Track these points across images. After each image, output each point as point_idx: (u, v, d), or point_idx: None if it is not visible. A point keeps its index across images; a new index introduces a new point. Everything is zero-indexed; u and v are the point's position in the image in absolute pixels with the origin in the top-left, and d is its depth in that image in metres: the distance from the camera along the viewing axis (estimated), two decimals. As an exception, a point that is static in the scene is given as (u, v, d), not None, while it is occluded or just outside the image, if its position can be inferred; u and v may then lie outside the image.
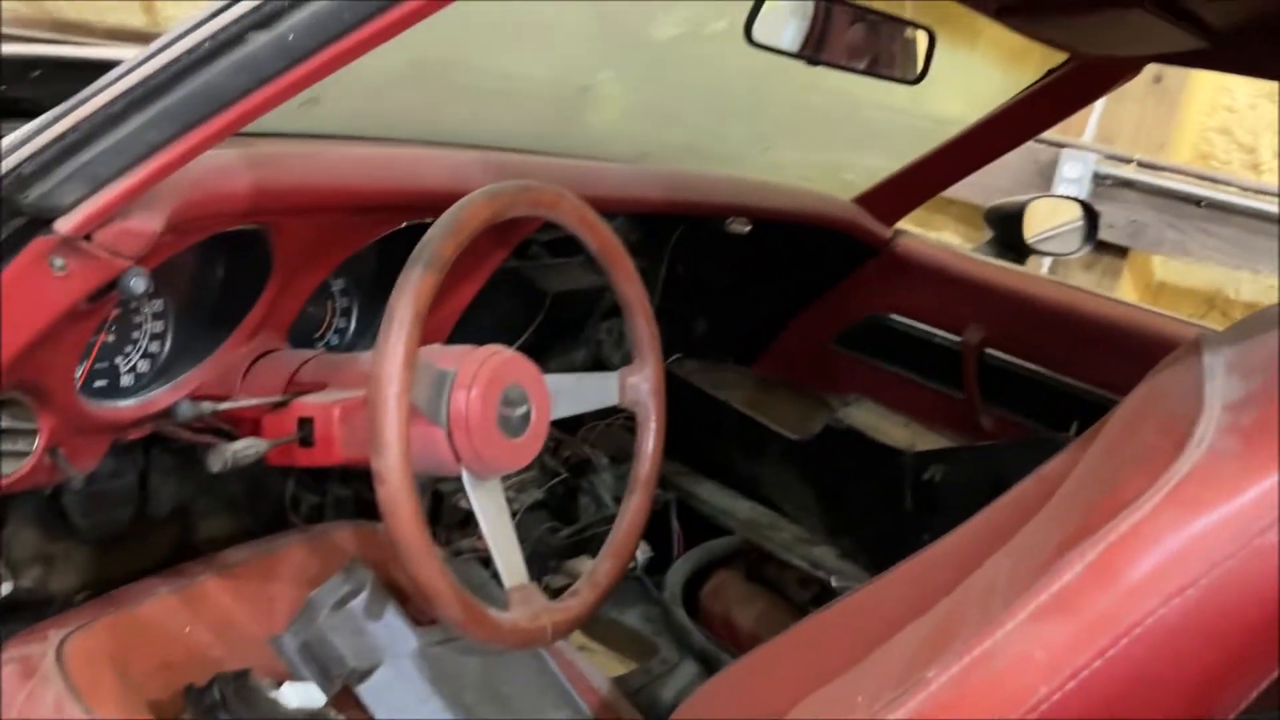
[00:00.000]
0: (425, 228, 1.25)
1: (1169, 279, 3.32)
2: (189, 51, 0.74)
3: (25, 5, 3.27)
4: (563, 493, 1.67)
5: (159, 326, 1.18)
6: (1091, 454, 0.73)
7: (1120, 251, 3.20)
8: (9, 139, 0.85)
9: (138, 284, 0.90)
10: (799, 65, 1.31)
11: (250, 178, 0.96)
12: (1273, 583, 0.52)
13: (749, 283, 1.97)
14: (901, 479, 1.43)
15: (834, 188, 1.93)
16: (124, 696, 0.98)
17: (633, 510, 1.15)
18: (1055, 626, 0.55)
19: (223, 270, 1.15)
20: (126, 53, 1.31)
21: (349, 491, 1.54)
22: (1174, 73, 2.99)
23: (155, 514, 1.46)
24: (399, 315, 0.89)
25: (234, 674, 0.99)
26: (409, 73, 0.84)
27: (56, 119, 0.78)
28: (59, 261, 0.83)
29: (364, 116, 1.02)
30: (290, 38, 0.72)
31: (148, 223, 0.84)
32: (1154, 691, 0.55)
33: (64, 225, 0.80)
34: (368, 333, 1.40)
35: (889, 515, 1.45)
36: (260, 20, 0.72)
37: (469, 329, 1.40)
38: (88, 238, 0.82)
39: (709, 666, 1.41)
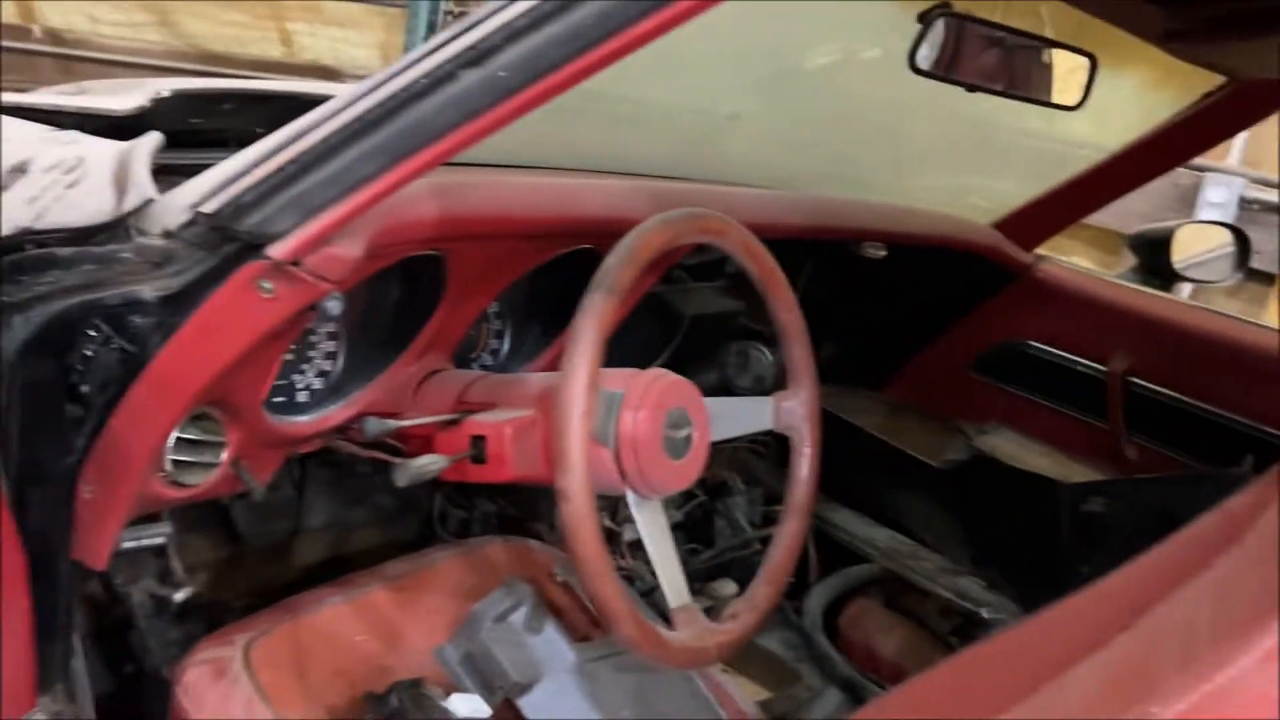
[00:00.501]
0: (579, 254, 1.30)
1: (1320, 307, 3.19)
2: (404, 89, 0.78)
3: (174, 38, 3.46)
4: (700, 515, 1.69)
5: (332, 346, 1.23)
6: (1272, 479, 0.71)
7: (1267, 279, 3.08)
8: (220, 170, 0.91)
9: (334, 306, 0.95)
10: (938, 93, 1.30)
11: (435, 206, 1.00)
12: None
13: (882, 308, 1.96)
14: (1058, 510, 1.40)
15: (962, 213, 1.91)
16: (305, 700, 1.03)
17: (788, 535, 1.16)
18: (1292, 668, 0.54)
19: (396, 294, 1.19)
20: (298, 86, 1.38)
21: (494, 507, 1.59)
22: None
23: (311, 525, 1.52)
24: (583, 339, 0.92)
25: (409, 682, 1.03)
26: (564, 103, 0.86)
27: (273, 152, 0.83)
28: (268, 285, 0.88)
29: (523, 145, 1.05)
30: (502, 74, 0.75)
31: (351, 249, 0.88)
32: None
33: (276, 251, 0.85)
34: (520, 353, 1.44)
35: (1043, 547, 1.42)
36: (473, 58, 0.76)
37: (611, 349, 1.44)
38: (296, 263, 0.86)
39: (854, 695, 1.40)
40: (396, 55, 3.78)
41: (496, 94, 0.76)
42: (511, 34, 0.74)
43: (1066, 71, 1.55)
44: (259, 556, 1.46)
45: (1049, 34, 1.43)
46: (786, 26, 1.58)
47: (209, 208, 0.85)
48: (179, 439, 1.03)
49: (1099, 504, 1.37)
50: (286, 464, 1.38)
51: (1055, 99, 1.33)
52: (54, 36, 3.11)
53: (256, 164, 0.83)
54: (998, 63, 1.30)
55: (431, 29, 3.59)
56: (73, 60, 3.08)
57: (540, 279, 1.31)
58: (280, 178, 0.82)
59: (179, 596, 1.22)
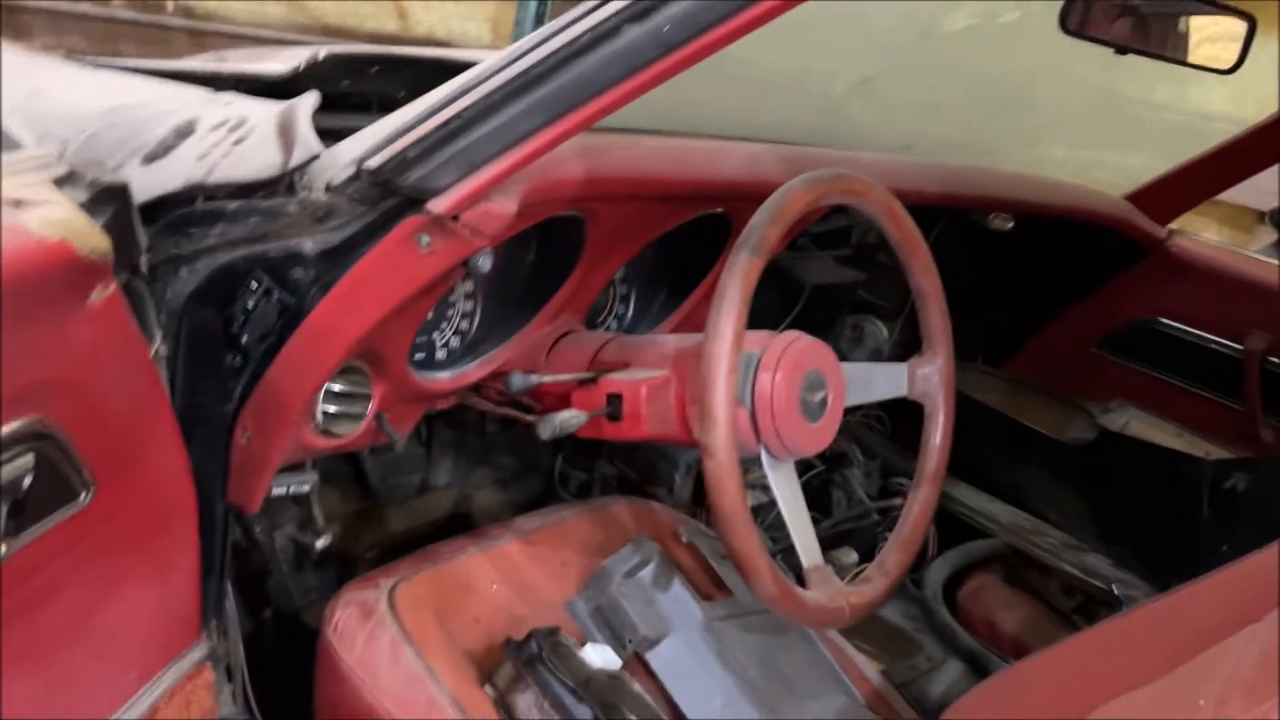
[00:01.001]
0: (712, 219, 1.30)
1: None
2: (568, 44, 0.79)
3: (296, 12, 3.56)
4: (817, 485, 1.68)
5: (470, 306, 1.26)
6: None
7: None
8: (383, 127, 0.93)
9: (485, 262, 0.98)
10: (1070, 61, 1.27)
11: (582, 166, 1.01)
12: None
13: (1005, 281, 1.93)
14: (1198, 487, 1.37)
15: (1093, 184, 1.86)
16: (447, 645, 1.06)
17: (921, 502, 1.15)
18: None
19: (534, 255, 1.22)
20: (441, 53, 1.41)
21: (613, 470, 1.61)
22: None
23: (437, 482, 1.57)
24: (729, 296, 0.92)
25: (548, 630, 1.06)
26: (699, 66, 0.87)
27: (437, 109, 0.85)
28: (426, 239, 0.91)
29: (656, 108, 1.06)
30: (665, 29, 0.76)
31: (506, 205, 0.90)
32: None
33: (437, 205, 0.88)
34: (645, 317, 1.45)
35: (1180, 525, 1.38)
36: (636, 14, 0.77)
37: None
38: (455, 218, 0.89)
39: (976, 667, 1.39)
40: (507, 29, 3.82)
41: (660, 48, 0.77)
42: (678, -12, 0.75)
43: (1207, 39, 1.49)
44: (388, 510, 1.51)
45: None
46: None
47: (373, 163, 0.87)
48: (330, 390, 1.07)
49: (1243, 481, 1.32)
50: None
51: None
52: (185, 11, 3.24)
53: (420, 120, 0.85)
54: (1141, 27, 1.25)
55: (542, 3, 3.63)
56: (203, 34, 3.20)
57: (664, 245, 1.32)
58: (444, 133, 0.84)
59: (320, 544, 1.27)
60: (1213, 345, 1.74)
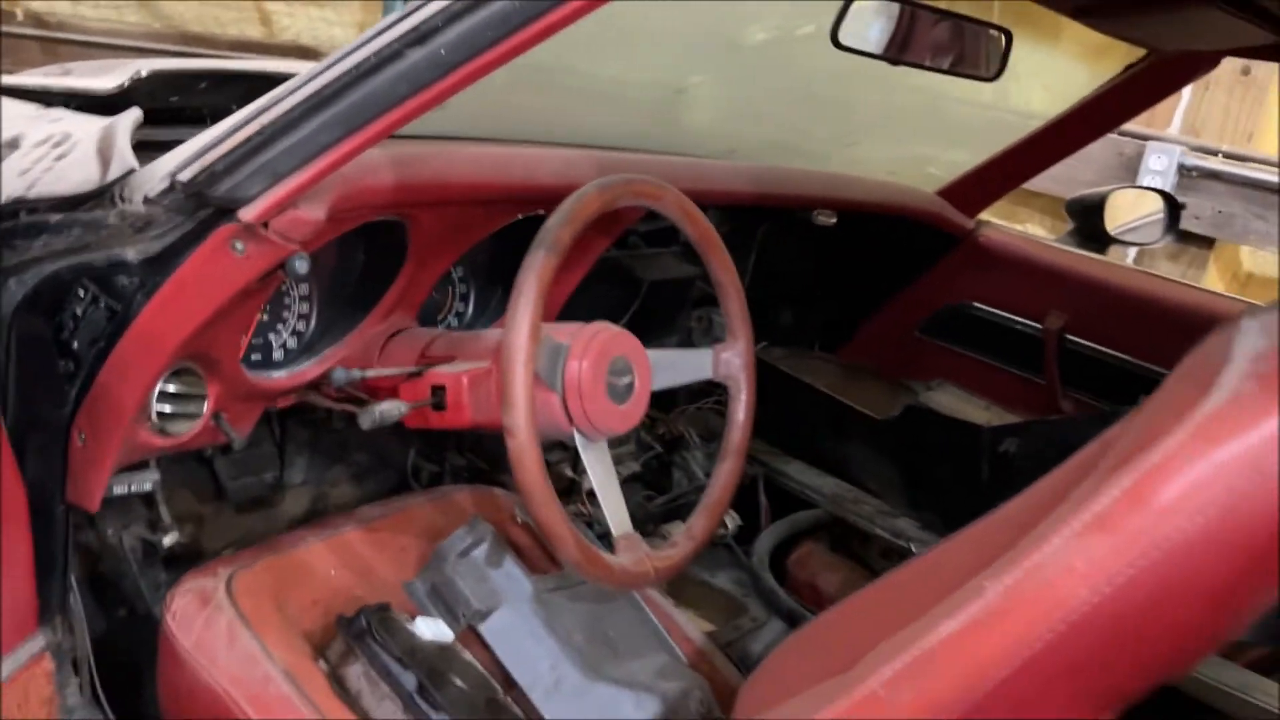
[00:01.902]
0: (537, 220, 1.39)
1: (1256, 269, 3.31)
2: (356, 66, 0.87)
3: (153, 19, 3.52)
4: (657, 466, 1.79)
5: (305, 308, 1.33)
6: (1139, 411, 0.82)
7: (1206, 242, 3.21)
8: (196, 142, 1.00)
9: (301, 265, 1.05)
10: (883, 65, 1.40)
11: (393, 174, 1.09)
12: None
13: (834, 273, 2.06)
14: (979, 453, 1.52)
15: (919, 181, 2.01)
16: (283, 626, 1.13)
17: (725, 473, 1.27)
18: (1095, 542, 0.65)
19: (363, 258, 1.29)
20: (270, 65, 1.47)
21: (464, 461, 1.69)
22: (1263, 64, 2.97)
23: (291, 480, 1.62)
24: (525, 291, 1.02)
25: (377, 606, 1.13)
26: (519, 77, 0.96)
27: (243, 124, 0.93)
28: (239, 245, 0.98)
29: (481, 118, 1.15)
30: (443, 52, 0.84)
31: (314, 212, 0.98)
32: (1176, 601, 0.64)
33: (247, 214, 0.95)
34: (484, 314, 1.54)
35: (967, 488, 1.53)
36: (417, 38, 0.85)
37: (573, 312, 1.53)
38: (265, 225, 0.96)
39: (795, 625, 1.51)
40: (374, 35, 3.83)
41: (439, 70, 0.85)
42: (450, 16, 0.84)
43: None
44: (242, 509, 1.56)
45: (995, 13, 1.53)
46: (721, 4, 1.67)
47: (185, 176, 0.94)
48: (164, 392, 1.13)
49: (1013, 444, 1.48)
50: (267, 422, 1.48)
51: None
52: (37, 20, 3.18)
53: (228, 135, 0.92)
54: (923, 36, 1.39)
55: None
56: (56, 43, 3.15)
57: (501, 244, 1.41)
58: (249, 147, 0.91)
59: (167, 541, 1.31)
60: (1017, 325, 1.91)
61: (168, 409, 1.14)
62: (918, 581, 1.12)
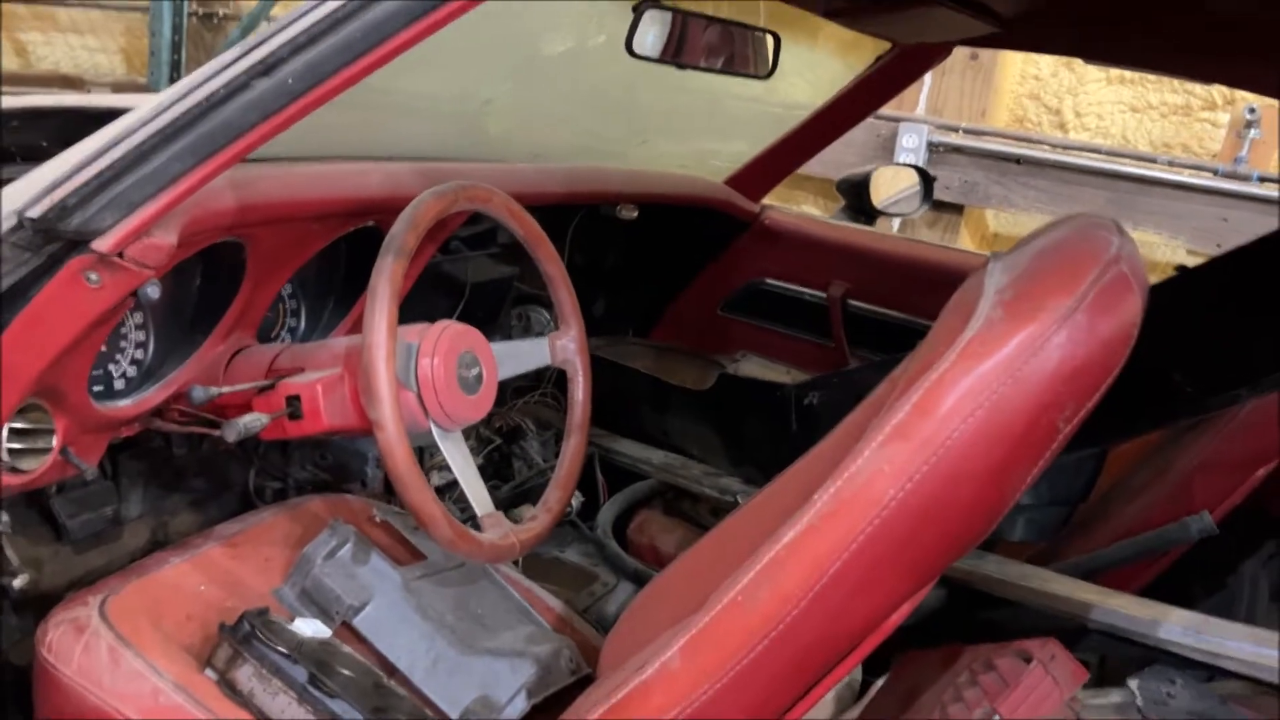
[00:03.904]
0: (366, 232, 1.46)
1: (1001, 230, 3.73)
2: (207, 98, 0.93)
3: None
4: (498, 458, 1.89)
5: (142, 335, 1.34)
6: (919, 347, 1.00)
7: (957, 209, 3.60)
8: (39, 177, 1.02)
9: (154, 290, 1.09)
10: (668, 69, 1.54)
11: (234, 196, 1.15)
12: (1030, 401, 0.79)
13: (639, 262, 2.22)
14: (787, 409, 1.70)
15: (706, 173, 2.19)
16: (164, 642, 1.16)
17: (572, 449, 1.38)
18: (895, 448, 0.81)
19: (200, 279, 1.32)
20: (80, 100, 1.47)
21: (307, 474, 1.72)
22: (988, 50, 3.37)
23: (129, 514, 1.60)
24: (379, 294, 1.10)
25: (257, 611, 1.18)
26: (340, 97, 1.04)
27: (92, 158, 0.96)
28: (94, 276, 1.01)
29: (303, 138, 1.21)
30: (289, 81, 0.92)
31: (167, 237, 1.02)
32: (962, 485, 0.81)
33: (101, 244, 0.98)
34: (316, 327, 1.58)
35: (779, 441, 1.71)
36: (264, 69, 0.92)
37: (404, 317, 1.61)
38: (120, 254, 1.00)
39: (642, 585, 1.65)
40: (142, 60, 3.71)
41: (285, 98, 0.93)
42: (295, 47, 0.91)
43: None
44: (81, 547, 1.54)
45: (762, 18, 1.71)
46: (519, 21, 1.79)
47: (35, 212, 0.96)
48: (10, 429, 1.13)
49: (815, 397, 1.67)
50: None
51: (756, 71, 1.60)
52: None
53: (78, 169, 0.96)
54: (705, 42, 1.55)
55: (177, 31, 3.56)
56: None
57: (326, 259, 1.47)
58: (100, 180, 0.95)
59: (17, 584, 1.30)
60: (806, 297, 2.12)
61: (16, 445, 1.15)
62: (748, 524, 1.27)
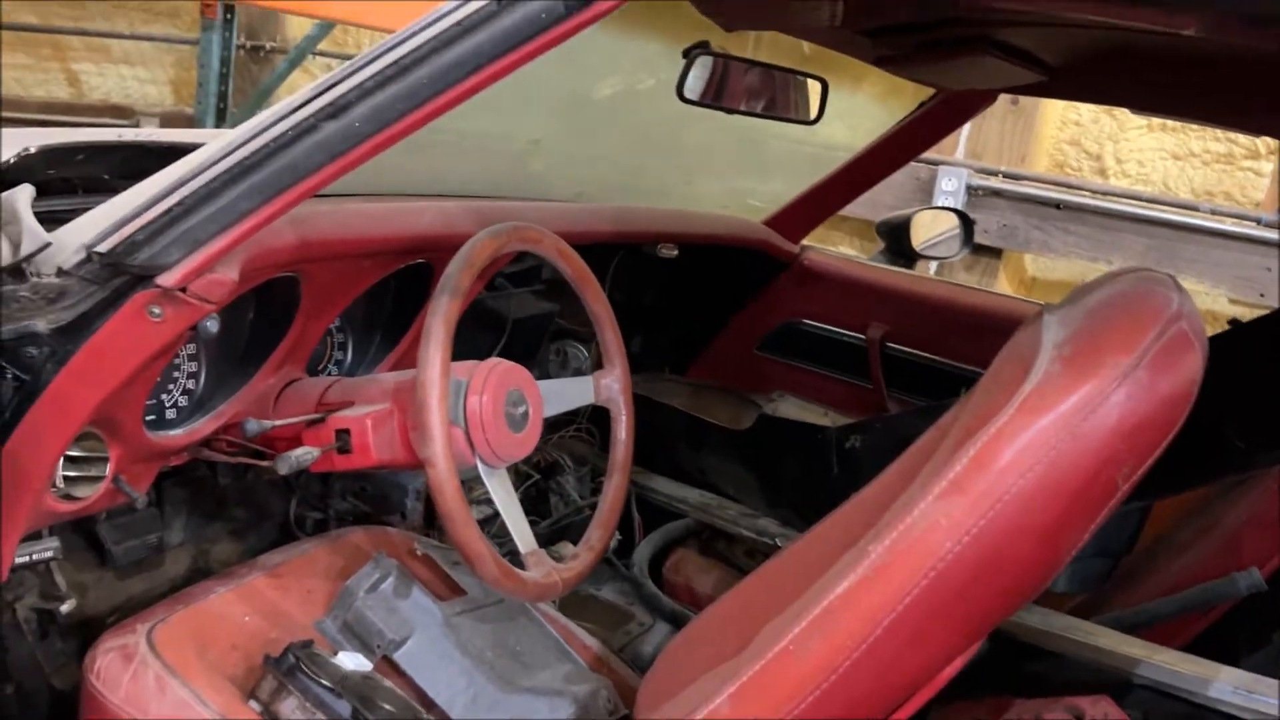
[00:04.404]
0: (415, 268, 1.48)
1: (1039, 274, 3.73)
2: (275, 139, 0.95)
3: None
4: (535, 494, 1.89)
5: (194, 366, 1.37)
6: (971, 396, 1.00)
7: (995, 253, 3.60)
8: (107, 212, 1.05)
9: (212, 325, 1.11)
10: (709, 112, 1.56)
11: (293, 234, 1.17)
12: (1088, 457, 0.79)
13: (679, 301, 2.23)
14: (827, 452, 1.70)
15: (743, 211, 2.21)
16: (208, 672, 1.17)
17: (614, 488, 1.39)
18: (953, 501, 0.81)
19: (253, 312, 1.35)
20: (141, 135, 1.50)
21: (348, 505, 1.73)
22: (1029, 97, 3.38)
23: (172, 541, 1.62)
24: (435, 332, 1.11)
25: (302, 643, 1.19)
26: None
27: (161, 196, 0.99)
28: (157, 310, 1.03)
29: (361, 174, 1.24)
30: (356, 124, 0.94)
31: (230, 273, 1.04)
32: (1018, 541, 0.81)
33: (166, 280, 1.00)
34: (363, 361, 1.60)
35: (818, 484, 1.71)
36: (333, 112, 0.94)
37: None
38: (184, 289, 1.02)
39: (679, 625, 1.64)
40: (190, 91, 3.79)
41: (352, 140, 0.95)
42: (363, 92, 0.94)
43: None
44: (123, 574, 1.56)
45: (808, 59, 1.73)
46: (571, 66, 1.82)
47: (104, 247, 0.99)
48: (66, 456, 1.15)
49: (858, 441, 1.67)
50: (143, 484, 1.49)
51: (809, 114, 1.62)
52: None
53: (147, 207, 0.98)
54: (753, 88, 1.57)
55: (224, 64, 3.64)
56: None
57: (374, 294, 1.49)
58: (169, 218, 0.97)
59: (65, 609, 1.32)
60: (845, 338, 2.12)
61: (72, 473, 1.16)
62: (791, 569, 1.27)
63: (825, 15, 1.13)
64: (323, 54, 4.16)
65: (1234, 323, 1.27)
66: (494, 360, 1.26)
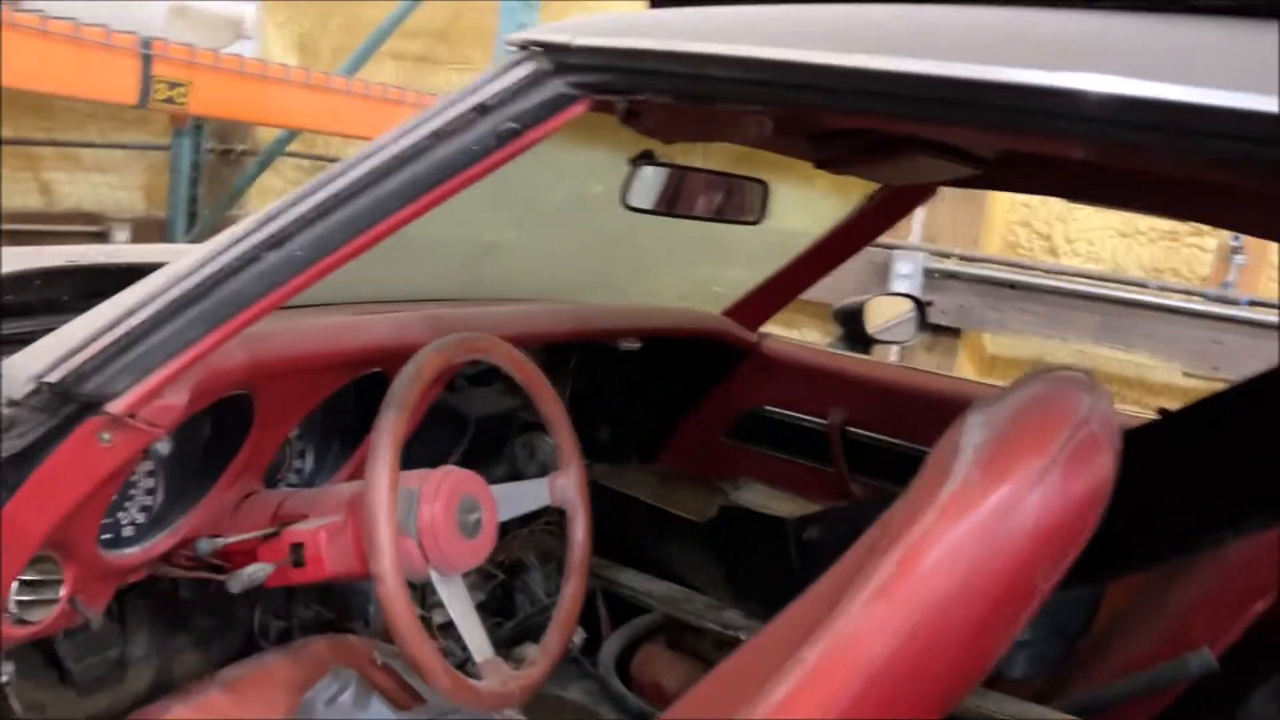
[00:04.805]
0: (370, 378, 1.50)
1: (998, 352, 3.79)
2: (220, 269, 0.98)
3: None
4: (500, 594, 1.89)
5: (151, 482, 1.38)
6: (904, 495, 1.02)
7: (954, 333, 3.67)
8: (56, 342, 1.07)
9: (163, 448, 1.13)
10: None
11: (244, 354, 1.19)
12: (1008, 559, 0.81)
13: (643, 391, 2.26)
14: (787, 543, 1.71)
15: (707, 299, 2.25)
16: (168, 797, 1.16)
17: (571, 591, 1.40)
18: (879, 606, 0.83)
19: (208, 429, 1.36)
20: (97, 256, 1.53)
21: (311, 613, 1.73)
22: (974, 182, 3.47)
23: (134, 655, 1.61)
24: (381, 449, 1.13)
25: (258, 763, 1.18)
26: None
27: (110, 325, 1.01)
28: (107, 436, 1.05)
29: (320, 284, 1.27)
30: (298, 253, 0.97)
31: (178, 398, 1.07)
32: (947, 641, 0.83)
33: (115, 407, 1.02)
34: (323, 469, 1.61)
35: (780, 575, 1.72)
36: (274, 242, 0.98)
37: (409, 451, 1.64)
38: (133, 415, 1.04)
39: (646, 725, 1.64)
40: (162, 196, 3.85)
41: (295, 268, 0.98)
42: (305, 223, 0.97)
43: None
44: (87, 690, 1.54)
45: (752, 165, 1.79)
46: (521, 174, 1.88)
47: (53, 378, 1.01)
48: (19, 581, 1.16)
49: (815, 531, 1.68)
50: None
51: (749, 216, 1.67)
52: None
53: (94, 337, 1.01)
54: (699, 192, 1.62)
55: (195, 168, 3.71)
56: None
57: (333, 402, 1.51)
58: (117, 347, 1.00)
59: (20, 734, 1.31)
60: (806, 424, 2.15)
61: (26, 597, 1.17)
62: (747, 667, 1.27)
63: (754, 131, 1.18)
64: (293, 154, 4.24)
65: (1163, 412, 1.31)
66: (446, 469, 1.28)
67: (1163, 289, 3.32)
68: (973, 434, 0.91)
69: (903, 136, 1.53)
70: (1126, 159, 0.79)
